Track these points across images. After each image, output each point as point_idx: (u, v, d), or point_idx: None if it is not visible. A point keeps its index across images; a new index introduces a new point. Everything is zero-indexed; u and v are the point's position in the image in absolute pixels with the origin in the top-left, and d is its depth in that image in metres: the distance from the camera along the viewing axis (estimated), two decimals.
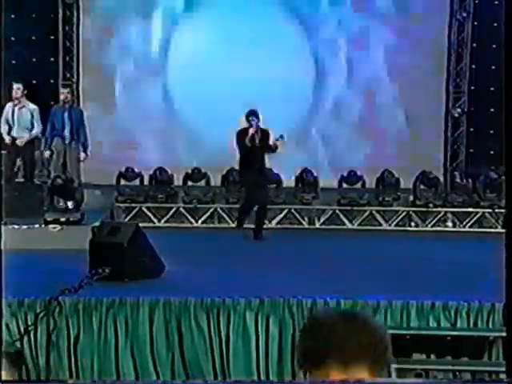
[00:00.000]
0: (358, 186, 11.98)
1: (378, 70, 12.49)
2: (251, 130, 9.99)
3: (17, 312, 6.15)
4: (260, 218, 10.28)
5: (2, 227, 9.26)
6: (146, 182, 12.11)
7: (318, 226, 11.60)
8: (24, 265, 8.08)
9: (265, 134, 10.10)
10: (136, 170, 12.10)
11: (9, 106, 10.88)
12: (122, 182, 12.04)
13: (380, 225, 11.56)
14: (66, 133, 10.94)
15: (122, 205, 11.62)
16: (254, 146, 10.01)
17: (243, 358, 6.53)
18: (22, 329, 6.10)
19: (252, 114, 10.05)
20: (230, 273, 7.88)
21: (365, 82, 12.50)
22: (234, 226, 11.29)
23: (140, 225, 8.57)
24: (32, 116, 10.87)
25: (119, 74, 12.73)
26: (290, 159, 12.65)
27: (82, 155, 11.01)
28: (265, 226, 11.43)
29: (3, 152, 10.92)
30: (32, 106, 10.89)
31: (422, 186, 11.96)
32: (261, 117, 10.13)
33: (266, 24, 12.68)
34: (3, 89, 10.57)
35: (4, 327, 6.04)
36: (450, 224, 11.62)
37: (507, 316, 1.77)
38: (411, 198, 11.88)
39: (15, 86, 10.81)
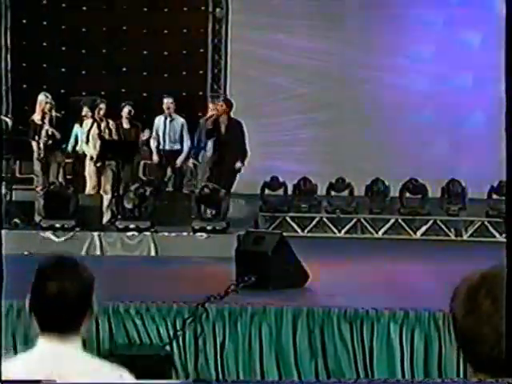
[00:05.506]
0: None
1: None
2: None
3: (166, 317, 6.38)
4: None
5: (155, 235, 9.72)
6: (289, 191, 12.21)
7: (465, 237, 11.28)
8: (173, 271, 8.39)
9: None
10: (280, 180, 12.22)
11: (160, 118, 11.25)
12: (266, 191, 12.19)
13: None
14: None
15: (265, 214, 11.78)
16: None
17: (387, 371, 6.44)
18: (171, 333, 6.32)
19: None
20: (371, 283, 7.80)
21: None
22: (377, 236, 11.17)
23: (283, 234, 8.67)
24: (182, 129, 11.22)
25: (266, 86, 12.89)
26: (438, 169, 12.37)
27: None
28: (409, 237, 11.23)
29: (151, 162, 11.35)
30: (181, 120, 11.24)
31: None
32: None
33: None
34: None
35: (155, 331, 6.29)
36: None
37: (506, 316, 1.69)
38: None
39: (166, 99, 11.16)
